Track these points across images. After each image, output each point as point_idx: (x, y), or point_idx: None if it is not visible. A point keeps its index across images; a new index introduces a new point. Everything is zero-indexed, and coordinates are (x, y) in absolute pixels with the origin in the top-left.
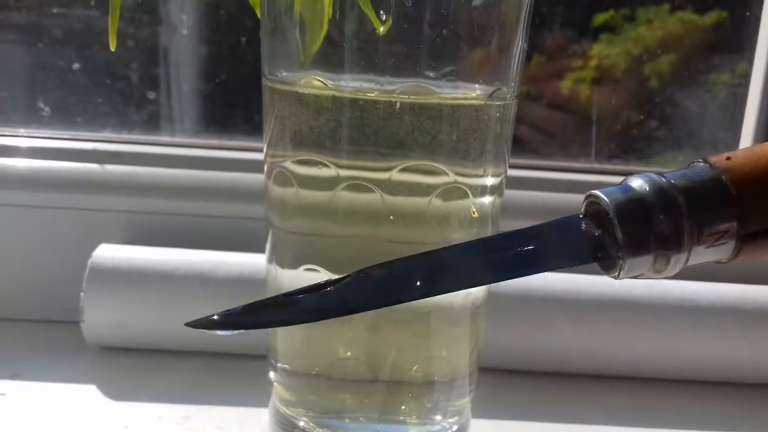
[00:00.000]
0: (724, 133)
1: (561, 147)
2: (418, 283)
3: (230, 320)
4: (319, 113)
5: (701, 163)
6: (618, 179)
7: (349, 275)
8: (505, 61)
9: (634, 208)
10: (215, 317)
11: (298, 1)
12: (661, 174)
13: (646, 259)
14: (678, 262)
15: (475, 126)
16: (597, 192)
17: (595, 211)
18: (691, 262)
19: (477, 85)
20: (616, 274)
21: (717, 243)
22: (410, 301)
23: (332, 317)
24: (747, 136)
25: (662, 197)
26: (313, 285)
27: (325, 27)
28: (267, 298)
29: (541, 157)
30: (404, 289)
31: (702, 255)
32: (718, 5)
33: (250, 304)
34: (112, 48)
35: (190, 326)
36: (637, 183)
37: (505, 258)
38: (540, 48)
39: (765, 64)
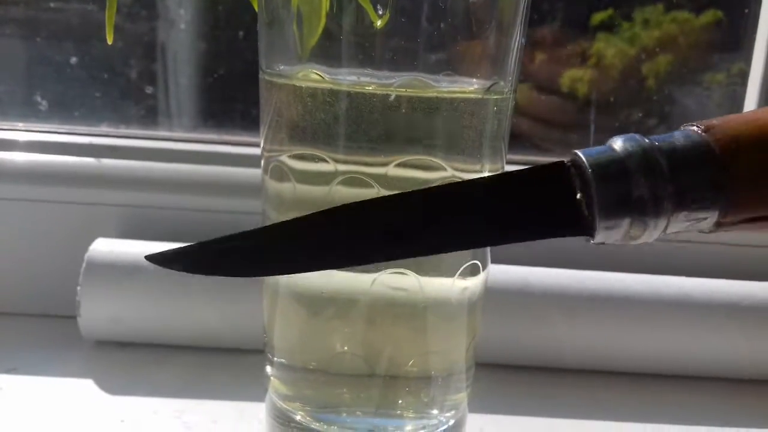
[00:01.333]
0: None
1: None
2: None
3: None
4: (316, 107)
5: (690, 127)
6: None
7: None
8: (502, 55)
9: (612, 168)
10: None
11: None
12: (646, 136)
13: (622, 222)
14: (656, 227)
15: (473, 120)
16: (578, 151)
17: (576, 170)
18: (670, 230)
19: (474, 79)
20: (591, 235)
21: (699, 210)
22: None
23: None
24: None
25: (643, 158)
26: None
27: (323, 20)
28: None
29: (538, 153)
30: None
31: (683, 223)
32: (714, 5)
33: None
34: (109, 41)
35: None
36: (620, 144)
37: (478, 225)
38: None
39: (763, 63)
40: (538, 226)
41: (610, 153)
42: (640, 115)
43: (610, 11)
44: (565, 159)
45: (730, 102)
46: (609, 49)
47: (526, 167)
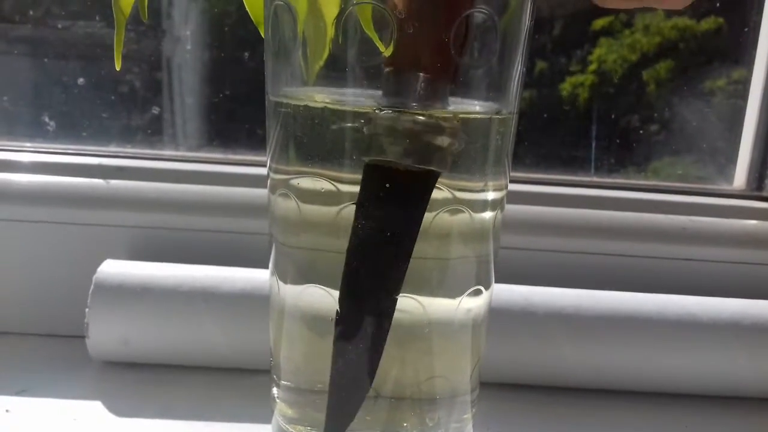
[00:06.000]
0: (721, 140)
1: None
2: None
3: None
4: (322, 132)
5: None
6: (618, 193)
7: None
8: (504, 83)
9: None
10: None
11: (301, 21)
12: None
13: None
14: None
15: (476, 145)
16: None
17: None
18: None
19: (477, 105)
20: None
21: None
22: None
23: None
24: (747, 143)
25: None
26: None
27: (328, 46)
28: None
29: (541, 171)
30: None
31: None
32: (715, 11)
33: None
34: (117, 68)
35: None
36: None
37: None
38: None
39: (765, 70)
40: None
41: None
42: (640, 122)
43: (612, 16)
44: None
45: (728, 109)
46: (610, 55)
47: None
